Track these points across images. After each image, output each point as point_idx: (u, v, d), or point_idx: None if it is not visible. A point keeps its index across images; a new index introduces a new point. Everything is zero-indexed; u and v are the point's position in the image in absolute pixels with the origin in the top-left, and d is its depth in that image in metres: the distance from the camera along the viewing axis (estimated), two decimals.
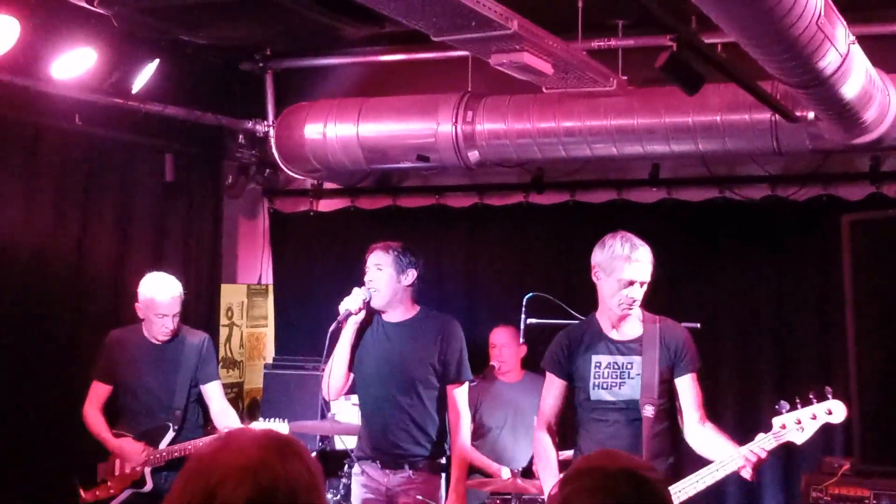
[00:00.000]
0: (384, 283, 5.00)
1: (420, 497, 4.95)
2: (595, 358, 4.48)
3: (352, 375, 5.12)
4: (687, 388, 4.45)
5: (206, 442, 2.00)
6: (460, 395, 5.07)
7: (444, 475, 5.10)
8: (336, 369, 5.04)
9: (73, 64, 5.63)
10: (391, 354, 5.04)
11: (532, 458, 6.16)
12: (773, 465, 6.09)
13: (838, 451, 5.78)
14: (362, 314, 5.04)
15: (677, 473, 4.44)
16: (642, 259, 4.40)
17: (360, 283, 5.07)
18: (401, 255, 5.01)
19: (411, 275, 5.03)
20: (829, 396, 4.17)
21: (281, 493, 1.83)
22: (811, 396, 4.21)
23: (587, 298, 5.19)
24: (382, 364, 5.04)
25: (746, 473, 4.17)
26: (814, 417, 4.18)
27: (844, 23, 4.21)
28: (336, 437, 6.21)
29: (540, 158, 6.56)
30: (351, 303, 4.98)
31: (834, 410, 4.15)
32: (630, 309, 4.44)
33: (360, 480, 5.12)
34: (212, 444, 1.93)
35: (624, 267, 4.37)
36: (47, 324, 6.16)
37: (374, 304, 5.04)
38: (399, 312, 5.10)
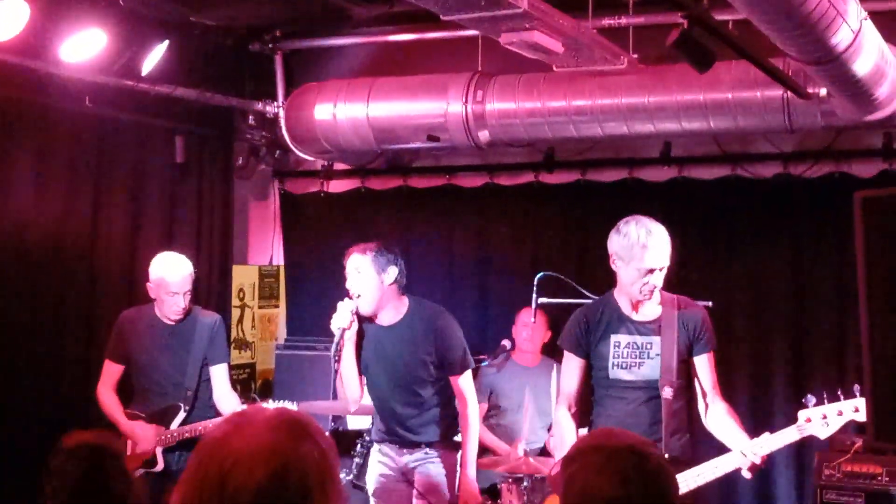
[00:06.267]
0: (367, 286, 4.94)
1: (435, 472, 5.00)
2: (615, 338, 4.47)
3: (364, 378, 5.14)
4: (704, 367, 4.47)
5: (218, 423, 1.98)
6: (465, 383, 5.07)
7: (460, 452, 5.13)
8: (349, 384, 5.05)
9: (83, 46, 5.62)
10: (391, 357, 5.04)
11: (547, 440, 6.20)
12: None
13: (851, 429, 5.78)
14: (355, 326, 4.99)
15: (693, 450, 4.47)
16: (660, 244, 4.35)
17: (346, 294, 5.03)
18: (378, 255, 4.94)
19: (392, 272, 4.94)
20: (857, 394, 4.15)
21: (293, 476, 1.84)
22: (839, 393, 4.20)
23: (599, 277, 5.19)
24: (385, 367, 5.06)
25: (746, 473, 4.20)
26: (840, 414, 4.17)
27: None
28: (348, 417, 6.23)
29: (550, 137, 6.55)
30: (340, 320, 4.92)
31: (861, 408, 4.11)
32: (651, 296, 4.42)
33: (378, 458, 5.19)
34: (224, 426, 1.93)
35: (643, 255, 4.32)
36: (60, 305, 6.19)
37: (363, 312, 4.99)
38: (390, 313, 5.05)
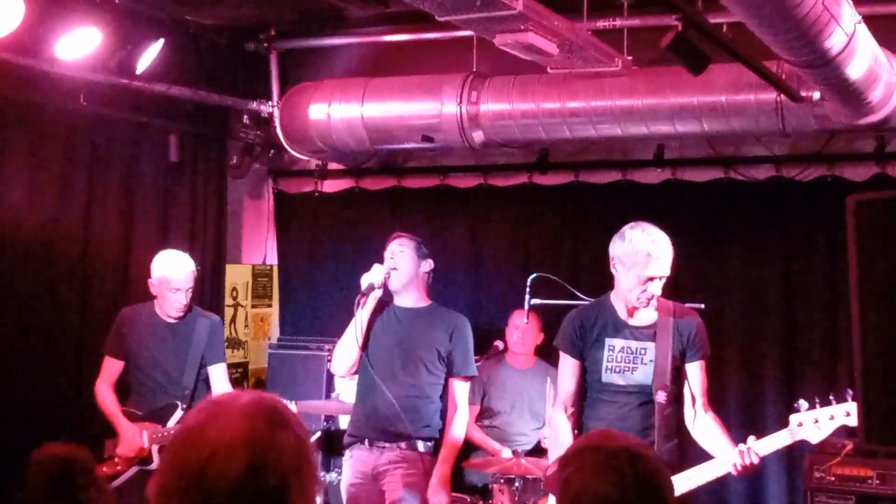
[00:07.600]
0: (405, 262, 5.11)
1: (404, 476, 4.98)
2: (609, 342, 4.45)
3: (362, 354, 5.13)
4: (695, 374, 4.46)
5: (192, 412, 1.98)
6: (460, 389, 5.12)
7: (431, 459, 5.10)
8: (350, 344, 5.08)
9: (78, 44, 5.62)
10: (401, 335, 5.10)
11: (538, 441, 6.20)
12: None
13: (842, 432, 5.78)
14: (380, 293, 5.09)
15: (682, 455, 4.46)
16: (663, 254, 4.31)
17: (380, 261, 5.15)
18: (421, 245, 5.20)
19: (428, 264, 5.18)
20: (849, 399, 4.15)
21: (270, 465, 1.84)
22: (830, 397, 4.21)
23: (592, 279, 5.20)
24: (391, 343, 5.09)
25: (732, 470, 4.21)
26: (831, 418, 4.18)
27: (850, 2, 4.19)
28: (340, 417, 6.24)
29: (545, 139, 6.56)
30: (374, 276, 5.05)
31: (853, 413, 4.11)
32: (648, 304, 4.39)
33: (350, 464, 5.14)
34: (198, 414, 1.92)
35: (646, 263, 4.28)
36: (53, 303, 6.17)
37: (392, 285, 5.11)
38: (412, 299, 5.17)
